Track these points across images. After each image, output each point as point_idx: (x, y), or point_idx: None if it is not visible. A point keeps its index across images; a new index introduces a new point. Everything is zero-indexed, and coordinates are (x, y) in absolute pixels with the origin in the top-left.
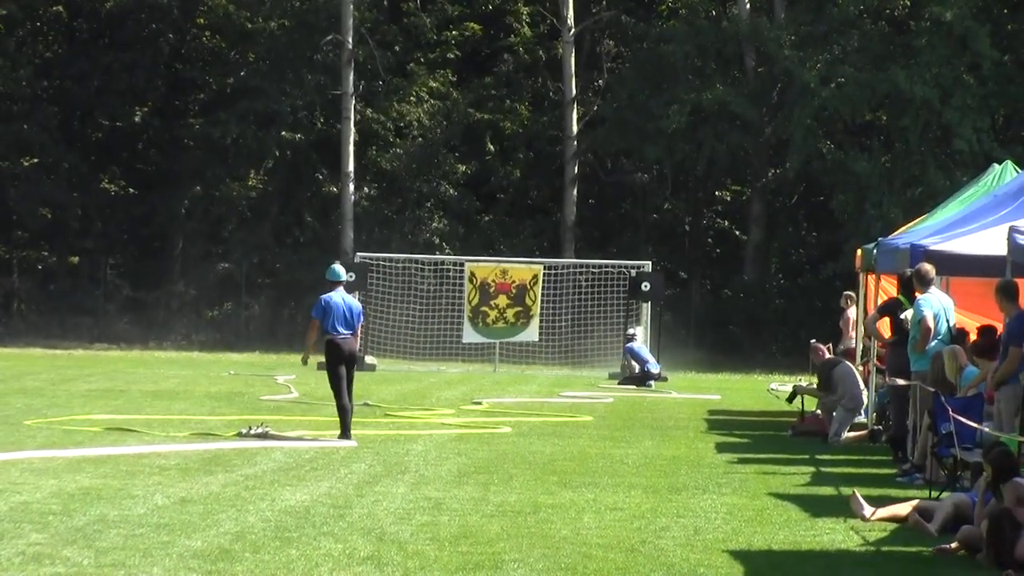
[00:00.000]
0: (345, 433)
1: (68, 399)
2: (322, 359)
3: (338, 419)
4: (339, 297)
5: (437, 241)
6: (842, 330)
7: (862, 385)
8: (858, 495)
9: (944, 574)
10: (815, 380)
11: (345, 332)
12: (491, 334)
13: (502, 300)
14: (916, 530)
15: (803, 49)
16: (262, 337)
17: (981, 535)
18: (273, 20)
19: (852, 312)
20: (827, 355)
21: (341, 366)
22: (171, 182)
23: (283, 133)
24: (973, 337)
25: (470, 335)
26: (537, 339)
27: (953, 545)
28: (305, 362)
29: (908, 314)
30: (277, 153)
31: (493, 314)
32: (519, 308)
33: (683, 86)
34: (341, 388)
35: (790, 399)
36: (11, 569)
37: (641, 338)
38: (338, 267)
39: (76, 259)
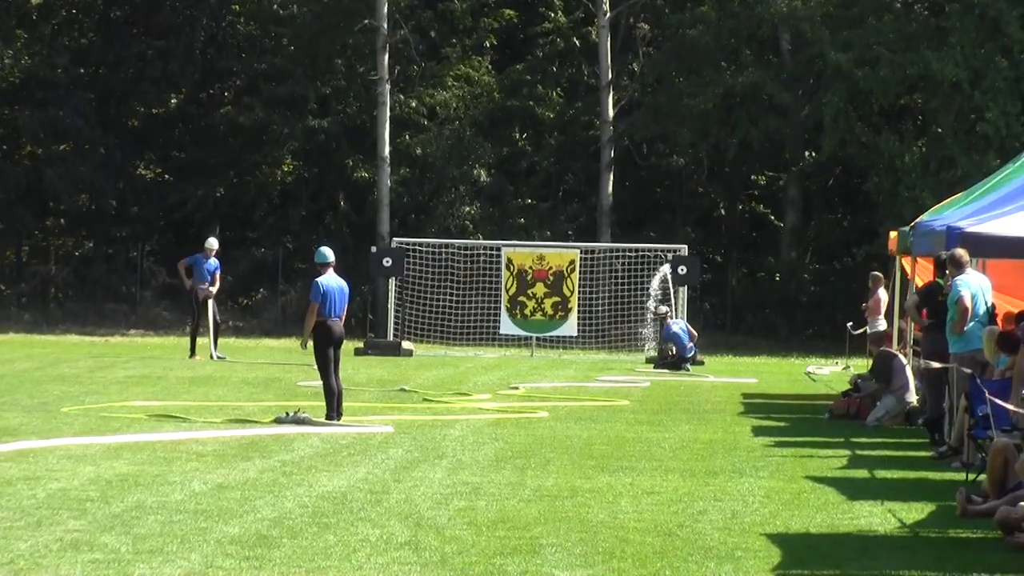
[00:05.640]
0: (331, 413)
1: (105, 386)
2: None
3: (324, 401)
4: (333, 281)
5: (471, 227)
6: (869, 311)
7: (910, 374)
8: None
9: (980, 556)
10: (870, 368)
11: (338, 315)
12: (529, 327)
13: (539, 288)
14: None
15: (836, 31)
16: (298, 322)
17: (1018, 517)
18: (306, 6)
19: (882, 293)
20: (886, 347)
21: (331, 348)
22: (206, 169)
23: (315, 120)
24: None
25: (508, 326)
26: (575, 334)
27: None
28: (305, 346)
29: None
30: (309, 139)
31: (531, 304)
32: (557, 298)
33: (716, 70)
34: (330, 370)
35: (848, 393)
36: (49, 556)
37: (676, 315)
38: (326, 250)
39: (112, 246)
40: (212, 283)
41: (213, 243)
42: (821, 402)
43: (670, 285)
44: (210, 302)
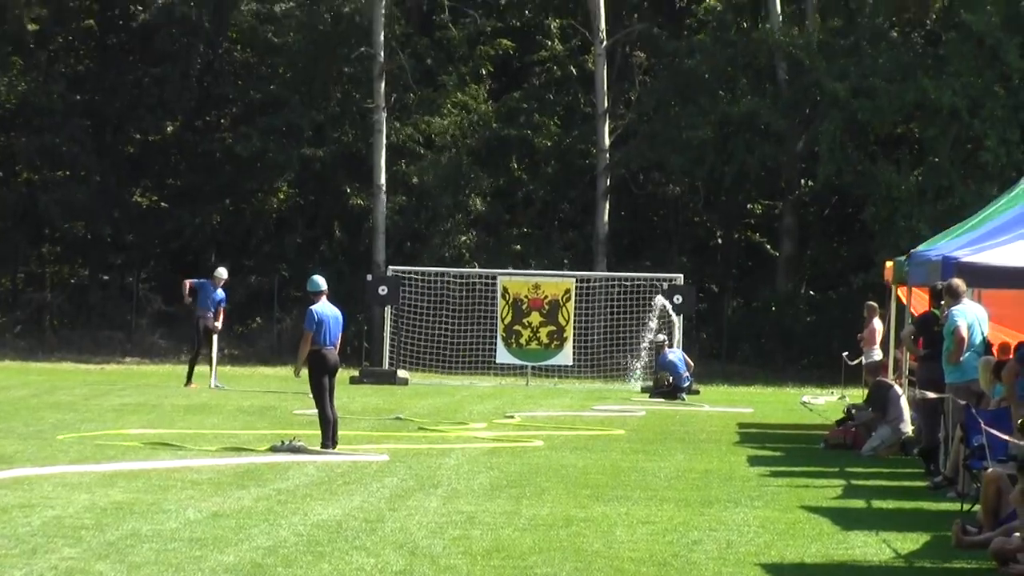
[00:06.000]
0: (326, 442)
1: (100, 413)
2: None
3: (319, 429)
4: (327, 309)
5: (467, 256)
6: (865, 341)
7: (905, 404)
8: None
9: None
10: (866, 398)
11: (332, 343)
12: (525, 356)
13: (535, 318)
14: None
15: (833, 60)
16: (294, 351)
17: (1013, 548)
18: (301, 33)
19: (877, 323)
20: (883, 376)
21: (326, 377)
22: (201, 196)
23: (310, 147)
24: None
25: (503, 355)
26: (571, 363)
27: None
28: (298, 375)
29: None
30: (305, 167)
31: (526, 333)
32: (552, 327)
33: (712, 98)
34: (325, 398)
35: (842, 422)
36: None
37: (674, 345)
38: (319, 278)
39: (108, 273)
40: (216, 316)
41: (223, 273)
42: (817, 432)
43: (671, 315)
44: (214, 336)
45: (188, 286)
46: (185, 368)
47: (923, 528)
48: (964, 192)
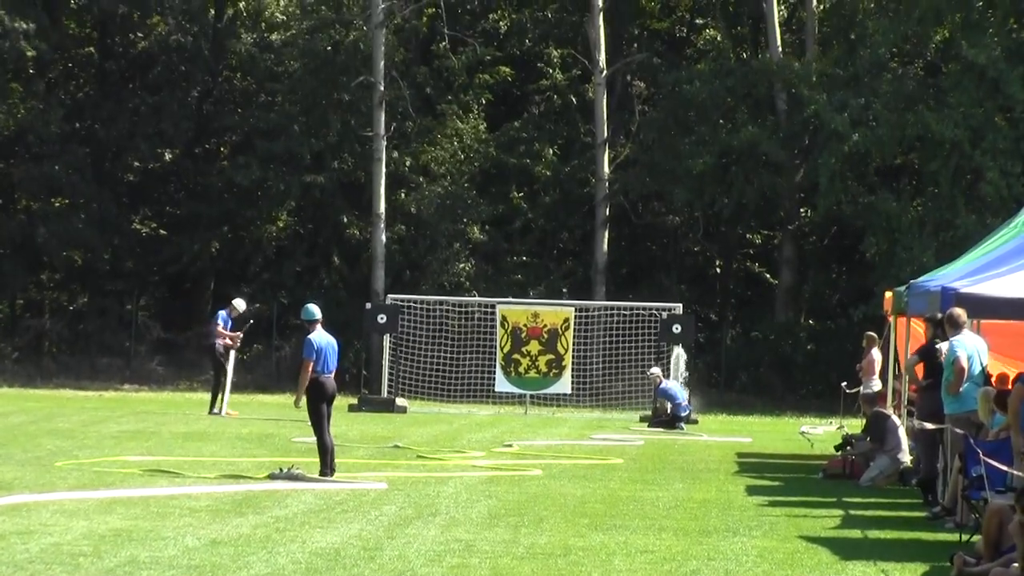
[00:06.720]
0: (324, 469)
1: (99, 440)
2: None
3: (318, 457)
4: (323, 337)
5: (466, 284)
6: (863, 371)
7: (903, 434)
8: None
9: None
10: (864, 428)
11: (330, 371)
12: (524, 384)
13: (534, 346)
14: None
15: (833, 92)
16: (293, 378)
17: None
18: (301, 61)
19: (875, 353)
20: (880, 407)
21: (323, 404)
22: (200, 223)
23: (310, 175)
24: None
25: (502, 384)
26: (570, 391)
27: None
28: (298, 404)
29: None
30: (304, 195)
31: (525, 362)
32: (551, 356)
33: (712, 128)
34: (323, 426)
35: (840, 448)
36: None
37: (672, 375)
38: (314, 307)
39: (106, 300)
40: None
41: (241, 305)
42: (815, 462)
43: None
44: (232, 353)
45: (221, 330)
46: (182, 396)
47: (921, 559)
48: (966, 223)
